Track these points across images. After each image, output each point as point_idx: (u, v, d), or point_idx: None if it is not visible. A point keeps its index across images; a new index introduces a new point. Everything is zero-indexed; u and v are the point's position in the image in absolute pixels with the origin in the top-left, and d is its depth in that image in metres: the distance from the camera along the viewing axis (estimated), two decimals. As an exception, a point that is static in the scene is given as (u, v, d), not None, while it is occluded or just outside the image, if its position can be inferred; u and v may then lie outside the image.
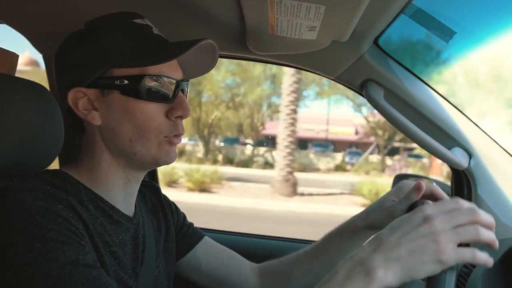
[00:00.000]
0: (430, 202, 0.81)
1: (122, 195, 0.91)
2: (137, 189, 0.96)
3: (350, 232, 1.08)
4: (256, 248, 1.82)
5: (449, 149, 1.33)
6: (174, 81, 0.88)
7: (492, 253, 1.21)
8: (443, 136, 1.32)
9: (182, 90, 0.92)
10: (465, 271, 1.23)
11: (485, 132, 1.33)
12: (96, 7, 1.03)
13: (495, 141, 1.32)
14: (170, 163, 0.92)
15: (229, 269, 1.17)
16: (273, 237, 1.95)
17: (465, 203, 0.73)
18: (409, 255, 0.68)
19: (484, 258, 0.70)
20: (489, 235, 0.70)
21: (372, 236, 0.75)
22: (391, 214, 0.97)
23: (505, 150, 1.32)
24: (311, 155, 24.47)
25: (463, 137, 1.32)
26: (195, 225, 1.23)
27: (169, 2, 1.14)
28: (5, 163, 0.93)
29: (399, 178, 1.43)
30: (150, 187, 1.14)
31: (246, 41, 1.26)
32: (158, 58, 0.84)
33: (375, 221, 1.02)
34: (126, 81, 0.84)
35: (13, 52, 1.41)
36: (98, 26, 0.87)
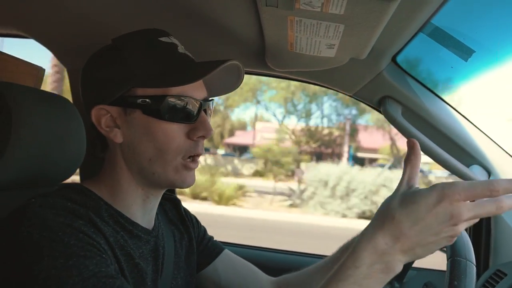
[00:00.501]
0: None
1: (141, 211, 0.92)
2: (156, 204, 0.97)
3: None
4: (272, 261, 1.82)
5: (468, 166, 1.32)
6: (197, 101, 0.88)
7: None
8: (461, 153, 1.32)
9: (205, 110, 0.92)
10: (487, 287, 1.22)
11: (503, 150, 1.32)
12: (121, 23, 1.06)
13: None
14: (187, 187, 0.92)
15: (247, 283, 1.17)
16: (288, 251, 1.95)
17: (501, 190, 0.64)
18: (424, 248, 0.66)
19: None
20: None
21: (388, 215, 0.67)
22: None
23: None
24: (236, 161, 24.45)
25: (481, 155, 1.31)
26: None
27: (192, 19, 1.16)
28: (27, 174, 0.95)
29: None
30: (170, 200, 1.15)
31: (266, 58, 1.28)
32: (181, 79, 0.84)
33: None
34: (148, 101, 0.84)
35: (40, 67, 1.45)
36: (123, 44, 0.87)
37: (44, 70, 1.46)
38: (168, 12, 1.14)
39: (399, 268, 0.67)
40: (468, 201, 0.65)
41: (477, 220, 0.66)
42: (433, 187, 0.65)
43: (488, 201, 0.65)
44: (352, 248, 0.69)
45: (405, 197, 0.67)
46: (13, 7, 1.29)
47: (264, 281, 1.19)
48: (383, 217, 0.68)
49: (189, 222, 1.14)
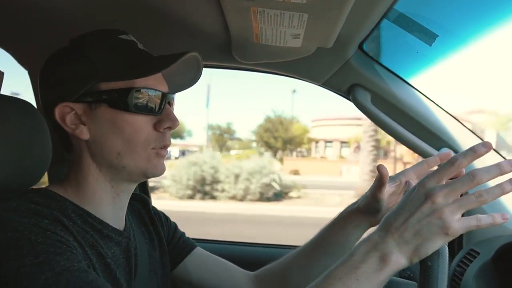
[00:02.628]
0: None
1: (111, 209, 0.91)
2: (126, 202, 0.95)
3: (343, 221, 1.08)
4: (252, 256, 1.81)
5: (438, 149, 1.34)
6: (161, 93, 0.89)
7: (485, 251, 1.22)
8: (430, 137, 1.34)
9: (169, 103, 0.93)
10: (458, 270, 1.24)
11: (472, 131, 1.34)
12: (81, 24, 1.03)
13: (483, 140, 1.33)
14: (159, 175, 0.92)
15: (220, 280, 1.16)
16: (267, 244, 1.95)
17: (462, 161, 0.73)
18: (416, 236, 0.71)
19: (489, 220, 0.72)
20: (492, 197, 0.71)
21: (383, 219, 0.77)
22: (375, 198, 0.99)
23: (494, 149, 1.33)
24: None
25: (450, 137, 1.33)
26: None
27: (152, 15, 1.14)
28: None
29: None
30: (139, 199, 1.14)
31: (232, 50, 1.26)
32: (145, 71, 0.85)
33: (364, 207, 1.03)
34: (113, 94, 0.84)
35: (-1, 70, 1.40)
36: (85, 42, 0.88)
37: (3, 73, 1.41)
38: (128, 10, 1.11)
39: (398, 259, 0.71)
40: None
41: (468, 206, 0.71)
42: (410, 186, 0.77)
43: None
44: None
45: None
46: None
47: (240, 277, 1.19)
48: (380, 223, 0.77)
49: (158, 221, 1.13)
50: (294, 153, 37.91)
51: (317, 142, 36.85)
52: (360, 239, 0.78)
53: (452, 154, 0.92)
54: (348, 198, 14.47)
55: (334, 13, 0.90)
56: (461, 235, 1.41)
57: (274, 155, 33.81)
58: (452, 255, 1.25)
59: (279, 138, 33.76)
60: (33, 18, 1.22)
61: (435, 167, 0.99)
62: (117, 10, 1.13)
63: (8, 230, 0.69)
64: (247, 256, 1.82)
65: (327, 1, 0.83)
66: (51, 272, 0.66)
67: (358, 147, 30.27)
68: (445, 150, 1.33)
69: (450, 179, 0.75)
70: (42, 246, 0.69)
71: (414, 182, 0.96)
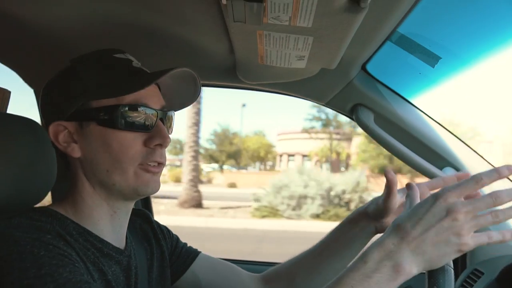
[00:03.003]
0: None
1: (110, 227, 0.91)
2: (126, 220, 0.95)
3: (350, 223, 1.09)
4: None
5: (441, 169, 1.34)
6: (151, 109, 0.89)
7: (489, 271, 1.22)
8: (433, 156, 1.34)
9: (162, 120, 0.92)
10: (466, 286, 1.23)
11: (475, 151, 1.35)
12: (86, 45, 1.04)
13: (486, 160, 1.34)
14: (152, 193, 0.91)
15: (229, 282, 1.16)
16: (268, 262, 1.94)
17: (485, 180, 0.74)
18: (433, 248, 0.71)
19: (499, 237, 0.73)
20: (506, 218, 0.73)
21: (393, 223, 0.76)
22: (385, 206, 1.01)
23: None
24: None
25: (453, 157, 1.33)
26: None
27: (157, 36, 1.16)
28: None
29: None
30: (140, 215, 1.13)
31: (237, 71, 1.28)
32: (130, 87, 0.85)
33: (371, 211, 1.05)
34: (102, 112, 0.85)
35: (5, 89, 1.41)
36: (78, 62, 0.90)
37: (10, 92, 1.42)
38: (133, 31, 1.13)
39: (411, 269, 0.71)
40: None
41: (484, 225, 0.72)
42: (429, 195, 0.75)
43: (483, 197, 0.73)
44: (364, 250, 0.76)
45: (409, 211, 0.76)
46: None
47: (247, 278, 1.19)
48: (390, 229, 0.75)
49: (160, 234, 1.13)
50: (258, 167, 38.28)
51: (280, 155, 37.11)
52: (372, 244, 0.76)
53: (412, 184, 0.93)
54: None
55: (339, 37, 0.91)
56: (465, 254, 1.41)
57: (220, 168, 34.51)
58: (455, 274, 1.24)
59: (224, 152, 34.11)
60: (40, 39, 1.24)
61: None
62: (121, 31, 1.14)
63: (10, 244, 0.69)
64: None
65: (333, 25, 0.85)
66: (54, 284, 0.67)
67: (318, 160, 30.67)
68: (449, 170, 1.33)
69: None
70: (45, 259, 0.69)
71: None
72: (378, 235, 0.87)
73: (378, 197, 1.05)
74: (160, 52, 1.25)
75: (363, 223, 1.07)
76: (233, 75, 1.31)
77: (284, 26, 0.87)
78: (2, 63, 1.42)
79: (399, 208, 1.02)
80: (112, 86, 0.86)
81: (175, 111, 1.01)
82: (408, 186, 0.88)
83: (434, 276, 0.74)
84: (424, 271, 0.74)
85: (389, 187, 0.98)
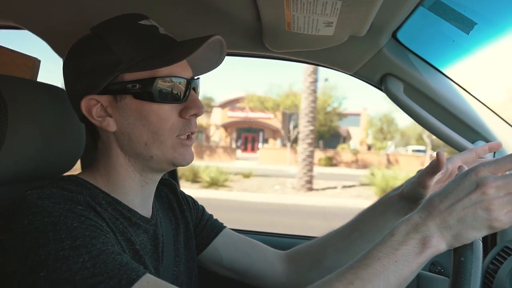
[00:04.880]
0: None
1: (139, 197, 0.92)
2: (153, 190, 0.97)
3: (384, 206, 1.07)
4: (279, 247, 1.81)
5: (472, 142, 1.30)
6: (185, 80, 0.88)
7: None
8: (465, 129, 1.30)
9: (194, 89, 0.92)
10: (492, 267, 1.21)
11: (509, 124, 1.30)
12: (113, 9, 1.04)
13: None
14: (187, 164, 0.92)
15: (252, 259, 1.16)
16: (290, 235, 1.94)
17: None
18: (460, 222, 0.70)
19: None
20: None
21: (425, 199, 0.75)
22: (423, 185, 0.98)
23: None
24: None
25: (486, 130, 1.29)
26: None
27: (183, 3, 1.14)
28: (26, 168, 0.94)
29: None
30: (167, 184, 1.15)
31: (263, 38, 1.26)
32: (168, 60, 0.84)
33: (408, 193, 1.02)
34: (138, 85, 0.84)
35: (35, 58, 1.44)
36: (105, 31, 0.87)
37: (39, 61, 1.45)
38: None
39: (438, 243, 0.70)
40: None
41: None
42: (461, 171, 0.74)
43: None
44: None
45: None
46: None
47: (271, 256, 1.19)
48: (422, 204, 0.74)
49: (185, 205, 1.14)
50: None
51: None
52: (402, 219, 0.75)
53: (442, 156, 0.92)
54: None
55: (369, 1, 0.88)
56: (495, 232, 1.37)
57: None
58: (485, 251, 1.22)
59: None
60: (66, 5, 1.24)
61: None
62: None
63: (44, 215, 0.71)
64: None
65: None
66: (89, 255, 0.68)
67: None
68: (481, 143, 1.29)
69: None
70: (78, 230, 0.71)
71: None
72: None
73: (413, 178, 1.02)
74: (185, 19, 1.24)
75: (398, 206, 1.04)
76: (259, 43, 1.29)
77: None
78: (33, 32, 1.44)
79: (435, 184, 0.99)
80: (147, 58, 0.85)
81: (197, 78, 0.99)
82: (459, 168, 0.84)
83: (461, 248, 0.72)
84: (453, 247, 0.72)
85: (435, 167, 0.94)
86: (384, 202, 1.07)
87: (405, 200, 1.03)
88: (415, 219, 0.72)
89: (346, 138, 37.58)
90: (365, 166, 26.59)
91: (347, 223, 1.13)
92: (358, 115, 38.44)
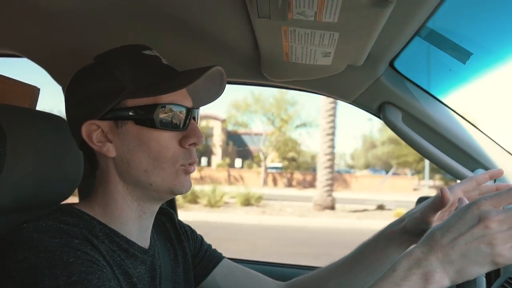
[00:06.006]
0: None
1: (137, 228, 0.91)
2: (151, 221, 0.95)
3: (386, 239, 1.05)
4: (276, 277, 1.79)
5: (472, 171, 1.30)
6: (186, 109, 0.89)
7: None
8: (465, 158, 1.29)
9: (194, 118, 0.92)
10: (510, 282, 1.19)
11: (509, 152, 1.29)
12: (111, 41, 1.05)
13: None
14: (185, 192, 0.91)
15: None
16: (290, 265, 1.92)
17: None
18: (462, 258, 0.68)
19: None
20: None
21: (426, 233, 0.73)
22: (426, 221, 0.96)
23: None
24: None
25: (486, 158, 1.28)
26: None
27: (181, 33, 1.16)
28: (24, 197, 0.94)
29: (421, 200, 1.40)
30: (164, 214, 1.13)
31: (261, 68, 1.27)
32: (170, 87, 0.85)
33: (411, 228, 1.00)
34: (139, 111, 0.84)
35: (35, 86, 1.44)
36: (109, 58, 0.88)
37: (39, 89, 1.45)
38: (157, 27, 1.14)
39: (441, 279, 0.68)
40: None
41: None
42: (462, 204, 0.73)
43: None
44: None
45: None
46: (7, 27, 1.29)
47: (268, 285, 1.16)
48: (423, 238, 0.73)
49: (183, 235, 1.12)
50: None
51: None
52: (403, 253, 0.73)
53: (446, 192, 0.90)
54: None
55: (366, 33, 0.89)
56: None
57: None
58: (489, 283, 1.20)
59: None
60: (66, 34, 1.26)
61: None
62: (146, 27, 1.15)
63: (40, 250, 0.70)
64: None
65: (359, 20, 0.82)
66: None
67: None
68: (480, 172, 1.28)
69: None
70: (74, 266, 0.69)
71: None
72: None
73: (414, 212, 1.00)
74: (184, 48, 1.25)
75: (400, 240, 1.02)
76: (257, 72, 1.30)
77: (310, 22, 0.86)
78: (32, 60, 1.45)
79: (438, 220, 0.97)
80: (150, 85, 0.85)
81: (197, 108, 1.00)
82: (459, 200, 0.83)
83: (465, 285, 0.71)
84: (456, 283, 0.71)
85: (439, 204, 0.92)
86: (386, 236, 1.05)
87: (408, 234, 1.01)
88: (416, 254, 0.70)
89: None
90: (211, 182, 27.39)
91: (348, 255, 1.11)
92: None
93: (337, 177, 26.73)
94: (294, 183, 30.34)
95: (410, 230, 0.99)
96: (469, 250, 0.68)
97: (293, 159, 31.95)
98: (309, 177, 29.98)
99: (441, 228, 0.72)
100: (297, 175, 31.22)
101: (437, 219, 0.97)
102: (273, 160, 32.57)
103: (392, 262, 0.72)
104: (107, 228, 0.85)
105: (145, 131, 0.85)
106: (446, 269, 0.68)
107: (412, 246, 0.73)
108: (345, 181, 30.57)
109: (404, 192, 25.00)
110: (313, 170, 29.31)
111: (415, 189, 27.72)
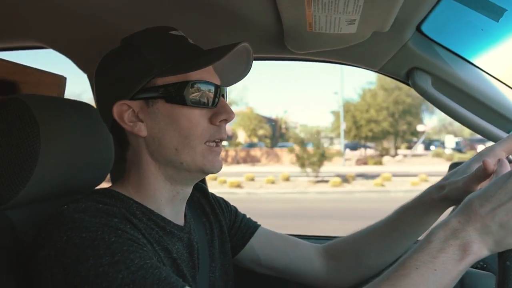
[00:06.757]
0: None
1: (171, 206, 0.92)
2: (185, 201, 0.96)
3: (425, 205, 1.03)
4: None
5: (508, 132, 1.26)
6: (215, 86, 0.89)
7: None
8: (500, 119, 1.25)
9: (223, 95, 0.93)
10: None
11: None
12: (133, 24, 1.05)
13: None
14: (216, 172, 0.91)
15: (290, 257, 1.15)
16: (326, 237, 1.92)
17: None
18: (503, 228, 0.66)
19: None
20: None
21: (464, 202, 0.71)
22: (469, 192, 0.91)
23: None
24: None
25: None
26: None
27: (202, 11, 1.15)
28: (60, 184, 0.96)
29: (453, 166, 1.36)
30: (198, 189, 1.14)
31: (285, 41, 1.25)
32: (199, 64, 0.85)
33: (451, 196, 0.97)
34: (170, 89, 0.85)
35: (61, 76, 1.46)
36: (137, 40, 0.89)
37: (65, 78, 1.48)
38: (178, 6, 1.13)
39: (480, 250, 0.66)
40: None
41: None
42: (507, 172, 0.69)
43: None
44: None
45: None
46: (32, 19, 1.31)
47: (309, 251, 1.17)
48: (460, 206, 0.71)
49: (218, 209, 1.14)
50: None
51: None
52: (438, 223, 0.71)
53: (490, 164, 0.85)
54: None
55: None
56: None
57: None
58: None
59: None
60: (89, 22, 1.26)
61: None
62: (167, 8, 1.14)
63: (82, 231, 0.72)
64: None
65: None
66: (127, 271, 0.69)
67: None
68: (517, 132, 1.24)
69: None
70: (116, 245, 0.71)
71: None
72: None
73: (456, 181, 0.96)
74: (207, 26, 1.24)
75: (442, 206, 1.00)
76: (281, 45, 1.28)
77: None
78: (56, 50, 1.47)
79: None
80: (179, 63, 0.86)
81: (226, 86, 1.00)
82: (500, 163, 0.81)
83: (506, 252, 0.68)
84: (495, 253, 0.68)
85: (482, 176, 0.88)
86: (425, 202, 1.02)
87: (448, 201, 0.98)
88: (453, 224, 0.68)
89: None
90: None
91: (385, 220, 1.10)
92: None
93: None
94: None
95: (452, 198, 0.97)
96: (509, 220, 0.65)
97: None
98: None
99: (479, 197, 0.69)
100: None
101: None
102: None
103: (427, 233, 0.70)
104: (143, 207, 0.87)
105: (176, 109, 0.85)
106: (484, 240, 0.66)
107: (448, 216, 0.71)
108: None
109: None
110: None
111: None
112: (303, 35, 1.14)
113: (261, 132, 35.93)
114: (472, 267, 1.28)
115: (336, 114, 34.35)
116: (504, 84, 1.26)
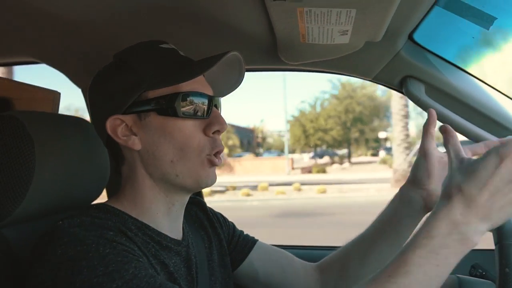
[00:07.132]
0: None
1: (167, 220, 0.91)
2: (182, 212, 0.96)
3: (401, 202, 1.04)
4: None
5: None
6: (207, 96, 0.89)
7: None
8: (495, 126, 1.26)
9: (216, 106, 0.92)
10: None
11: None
12: (125, 39, 1.05)
13: None
14: (211, 185, 0.91)
15: (285, 273, 1.14)
16: (319, 247, 1.91)
17: None
18: (499, 212, 0.66)
19: None
20: None
21: (458, 190, 0.67)
22: (422, 153, 0.97)
23: None
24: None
25: None
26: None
27: (194, 23, 1.15)
28: (57, 199, 0.95)
29: None
30: (195, 203, 1.13)
31: (278, 52, 1.25)
32: (189, 74, 0.85)
33: (412, 176, 1.01)
34: (161, 101, 0.85)
35: (55, 91, 1.46)
36: (127, 55, 0.90)
37: (59, 93, 1.47)
38: (169, 19, 1.13)
39: (477, 239, 0.66)
40: None
41: None
42: (489, 152, 0.66)
43: None
44: (425, 221, 0.70)
45: (465, 169, 0.69)
46: (24, 34, 1.31)
47: (303, 268, 1.16)
48: (450, 194, 0.68)
49: (216, 223, 1.13)
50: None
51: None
52: (432, 215, 0.69)
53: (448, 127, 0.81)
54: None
55: (383, 7, 0.87)
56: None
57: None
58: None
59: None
60: (82, 37, 1.26)
61: None
62: (159, 21, 1.15)
63: (76, 244, 0.71)
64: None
65: None
66: (121, 280, 0.69)
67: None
68: None
69: None
70: (110, 256, 0.71)
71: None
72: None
73: (417, 162, 0.99)
74: (200, 38, 1.24)
75: (409, 196, 1.01)
76: (274, 56, 1.28)
77: (325, 0, 0.84)
78: (50, 65, 1.47)
79: (442, 168, 0.97)
80: (168, 74, 0.86)
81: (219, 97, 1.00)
82: (444, 130, 0.76)
83: (506, 258, 0.69)
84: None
85: (426, 126, 0.92)
86: (400, 197, 1.05)
87: (413, 186, 1.01)
88: (454, 216, 0.66)
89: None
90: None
91: (370, 225, 1.10)
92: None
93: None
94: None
95: (417, 181, 1.00)
96: (507, 203, 0.66)
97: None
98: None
99: (474, 185, 0.66)
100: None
101: (441, 173, 0.96)
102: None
103: (424, 226, 0.69)
104: (138, 221, 0.86)
105: (168, 121, 0.85)
106: (484, 227, 0.66)
107: (437, 204, 0.70)
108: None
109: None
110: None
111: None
112: (297, 46, 1.15)
113: (230, 142, 35.91)
114: (470, 275, 1.29)
115: (291, 123, 35.45)
116: (497, 90, 1.26)
